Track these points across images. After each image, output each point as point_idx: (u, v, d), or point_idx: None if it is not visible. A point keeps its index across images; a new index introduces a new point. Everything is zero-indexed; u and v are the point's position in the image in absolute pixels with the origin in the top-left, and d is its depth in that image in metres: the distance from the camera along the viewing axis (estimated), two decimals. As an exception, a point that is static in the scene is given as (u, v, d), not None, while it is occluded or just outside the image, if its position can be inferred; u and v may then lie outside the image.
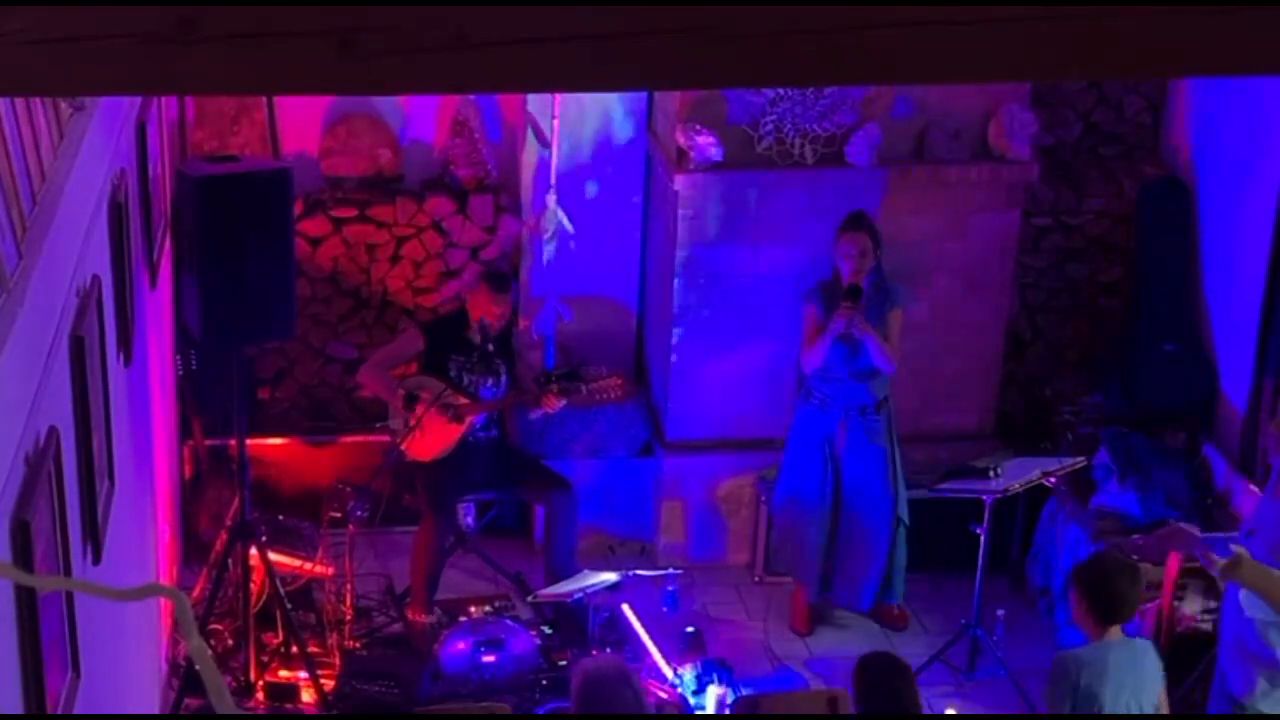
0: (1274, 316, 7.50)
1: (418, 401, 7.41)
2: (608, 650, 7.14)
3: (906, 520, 7.61)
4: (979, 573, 7.34)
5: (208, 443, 8.07)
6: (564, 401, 7.57)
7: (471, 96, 8.17)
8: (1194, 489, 7.71)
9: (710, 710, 6.97)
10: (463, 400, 7.54)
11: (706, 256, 7.99)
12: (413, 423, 7.40)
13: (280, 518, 7.64)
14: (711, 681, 7.04)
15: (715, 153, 7.77)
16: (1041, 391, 8.68)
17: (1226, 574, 5.40)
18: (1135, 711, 5.51)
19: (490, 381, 7.64)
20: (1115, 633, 5.59)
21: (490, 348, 7.59)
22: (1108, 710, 5.46)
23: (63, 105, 4.82)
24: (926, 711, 7.29)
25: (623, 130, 8.22)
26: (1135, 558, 7.27)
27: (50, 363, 4.22)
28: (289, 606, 7.19)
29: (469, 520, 8.18)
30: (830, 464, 7.52)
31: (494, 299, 7.55)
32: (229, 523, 7.31)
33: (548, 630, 7.53)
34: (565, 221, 8.19)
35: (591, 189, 8.28)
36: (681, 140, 7.77)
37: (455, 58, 1.95)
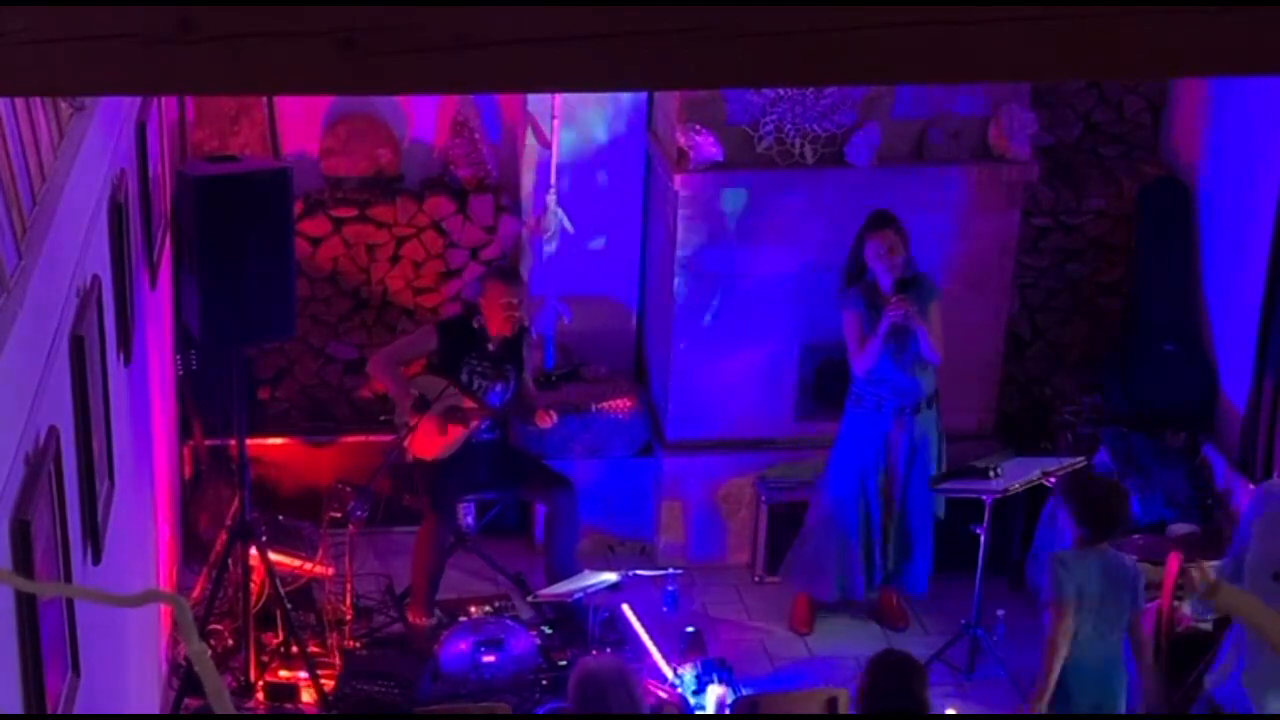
0: (1274, 316, 7.50)
1: (428, 405, 7.39)
2: (607, 650, 7.14)
3: (941, 515, 7.61)
4: (979, 573, 7.34)
5: (208, 443, 8.07)
6: (555, 419, 7.58)
7: (471, 96, 8.17)
8: (1194, 489, 7.71)
9: (710, 710, 6.97)
10: (468, 403, 7.54)
11: (706, 256, 7.99)
12: (415, 420, 7.40)
13: (280, 518, 7.64)
14: (711, 681, 7.04)
15: (715, 153, 7.77)
16: (1041, 391, 8.68)
17: (1204, 599, 5.38)
18: (1107, 609, 5.96)
19: (499, 386, 7.64)
20: (1099, 547, 6.03)
21: (492, 348, 7.58)
22: (1085, 606, 5.92)
23: (63, 105, 4.82)
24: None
25: (623, 130, 8.22)
26: (1135, 557, 7.30)
27: (50, 363, 4.22)
28: (289, 606, 7.19)
29: (469, 520, 8.18)
30: (880, 465, 7.48)
31: (505, 291, 7.51)
32: (229, 523, 7.31)
33: (548, 630, 7.53)
34: (565, 221, 8.19)
35: (591, 189, 8.28)
36: (681, 140, 7.77)
37: (455, 58, 1.95)
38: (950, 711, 7.26)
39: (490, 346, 7.57)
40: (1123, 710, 6.15)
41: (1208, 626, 6.89)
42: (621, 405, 7.67)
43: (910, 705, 5.33)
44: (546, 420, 7.57)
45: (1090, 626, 5.95)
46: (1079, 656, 5.96)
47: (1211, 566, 5.69)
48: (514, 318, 7.54)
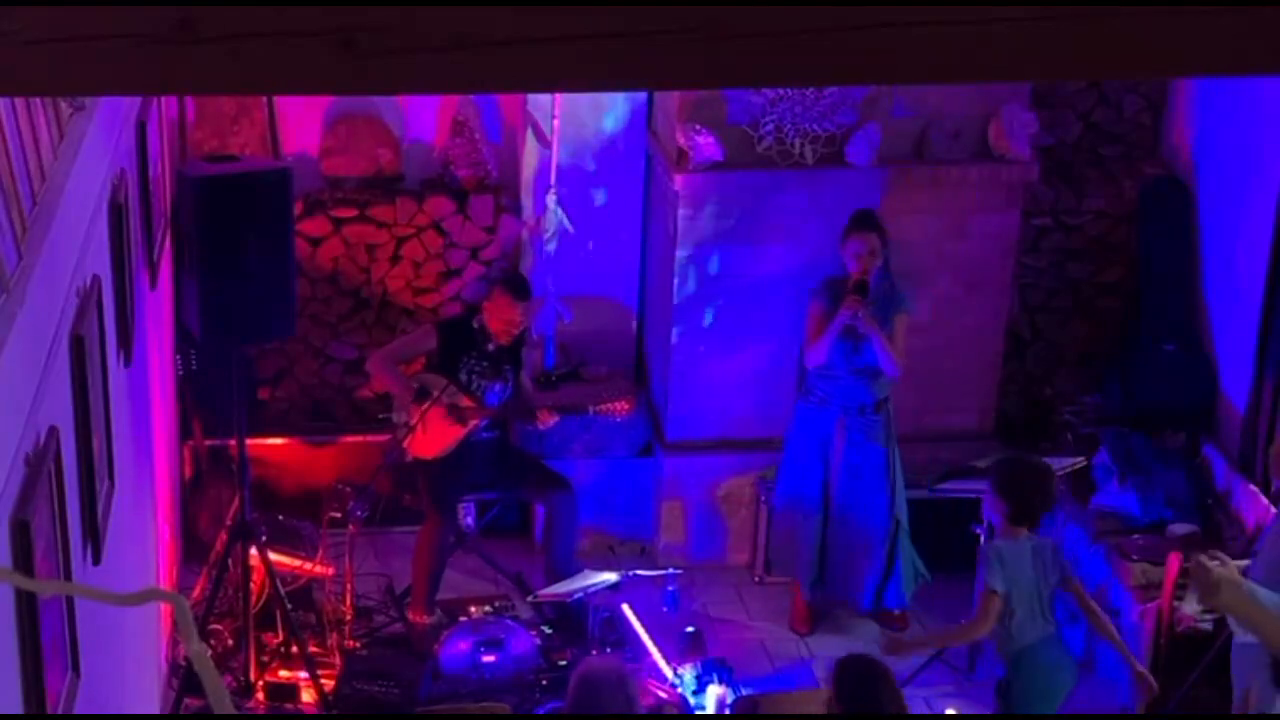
0: (1274, 316, 7.50)
1: (428, 397, 7.40)
2: (607, 650, 7.14)
3: (905, 522, 7.59)
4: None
5: (208, 443, 8.07)
6: (557, 419, 7.60)
7: (471, 96, 8.17)
8: (1194, 489, 7.71)
9: (710, 710, 6.97)
10: (467, 402, 7.54)
11: (706, 256, 7.99)
12: (415, 420, 7.40)
13: (280, 518, 7.64)
14: (711, 681, 7.04)
15: (715, 153, 7.77)
16: (1041, 391, 8.68)
17: (1206, 598, 5.36)
18: (1040, 593, 6.14)
19: (498, 386, 7.64)
20: (1023, 532, 6.16)
21: (491, 348, 7.58)
22: (1024, 594, 6.09)
23: (63, 105, 4.82)
24: (926, 711, 7.30)
25: (623, 130, 8.22)
26: (1135, 558, 7.30)
27: (50, 363, 4.22)
28: (289, 606, 7.20)
29: (469, 520, 8.18)
30: (826, 462, 7.52)
31: (512, 305, 7.50)
32: (229, 523, 7.31)
33: (548, 630, 7.53)
34: (565, 221, 8.19)
35: (591, 189, 8.28)
36: (681, 140, 7.77)
37: (455, 58, 1.95)
38: (950, 711, 7.26)
39: (490, 347, 7.58)
40: (1071, 687, 6.37)
41: (1208, 626, 6.89)
42: (620, 407, 7.67)
43: (877, 708, 5.31)
44: (548, 419, 7.58)
45: (1027, 612, 6.14)
46: (1029, 642, 6.16)
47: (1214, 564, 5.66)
48: (511, 332, 7.55)
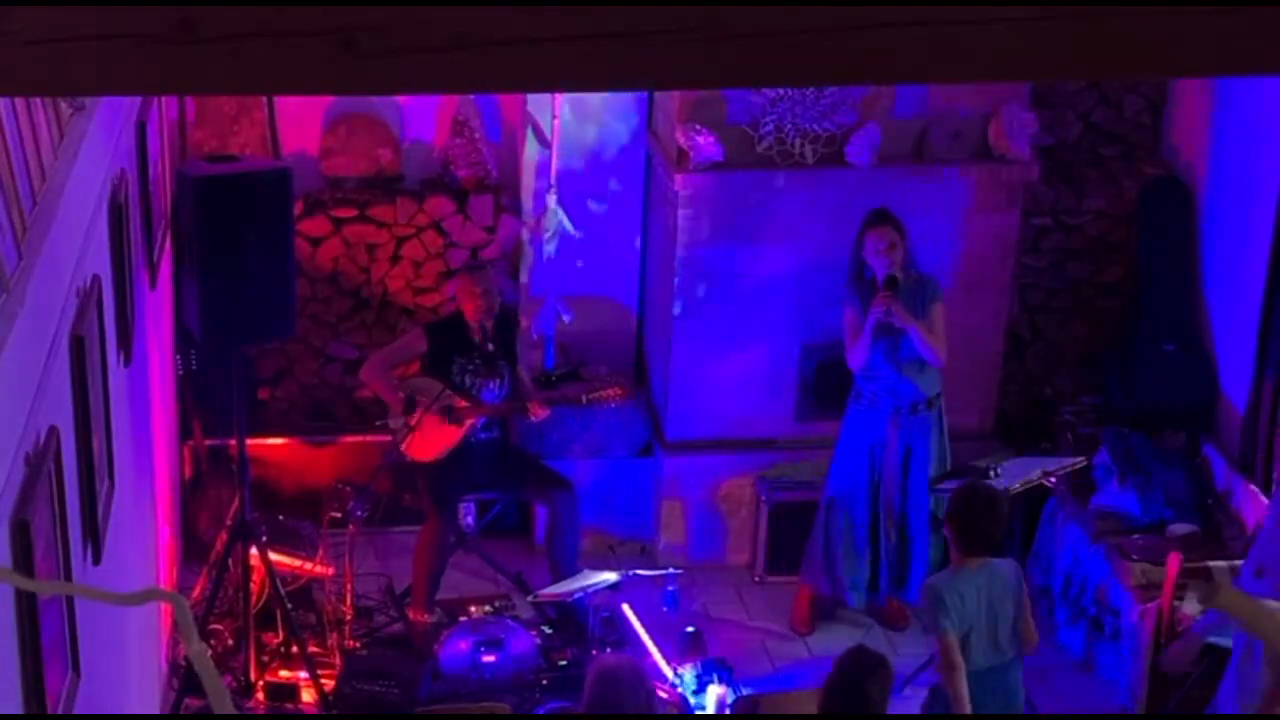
0: (1274, 316, 7.49)
1: (417, 405, 7.41)
2: (608, 650, 7.13)
3: (941, 516, 7.61)
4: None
5: (208, 443, 8.07)
6: (549, 412, 7.61)
7: (471, 96, 8.17)
8: (1194, 489, 7.71)
9: (710, 710, 6.97)
10: (461, 403, 7.53)
11: (706, 256, 7.99)
12: (412, 423, 7.40)
13: (280, 518, 7.64)
14: (711, 681, 7.04)
15: (715, 153, 7.77)
16: (1041, 391, 8.68)
17: (1205, 602, 5.34)
18: (995, 621, 5.99)
19: (494, 383, 7.64)
20: (974, 562, 5.99)
21: (490, 348, 7.58)
22: (972, 626, 5.94)
23: (63, 105, 4.82)
24: (926, 711, 7.29)
25: (623, 130, 8.22)
26: (1135, 558, 7.30)
27: (50, 363, 4.22)
28: (289, 606, 7.20)
29: (469, 520, 8.18)
30: (874, 463, 7.49)
31: (469, 281, 7.56)
32: (229, 523, 7.31)
33: (548, 630, 7.53)
34: (565, 221, 8.19)
35: (591, 189, 8.28)
36: (681, 140, 7.77)
37: (455, 58, 1.95)
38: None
39: (490, 346, 7.57)
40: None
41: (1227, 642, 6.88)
42: (613, 394, 7.65)
43: (860, 702, 5.33)
44: (540, 412, 7.58)
45: (984, 641, 5.99)
46: (974, 670, 5.99)
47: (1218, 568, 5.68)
48: (480, 306, 7.54)
